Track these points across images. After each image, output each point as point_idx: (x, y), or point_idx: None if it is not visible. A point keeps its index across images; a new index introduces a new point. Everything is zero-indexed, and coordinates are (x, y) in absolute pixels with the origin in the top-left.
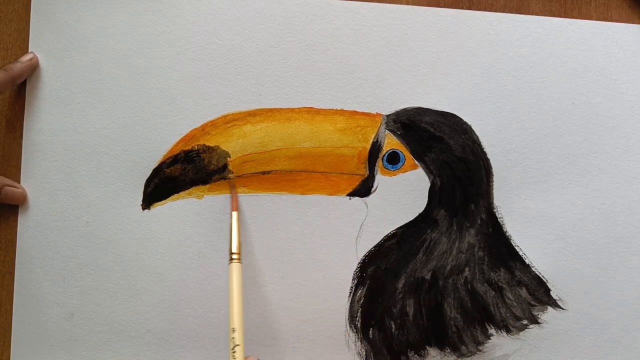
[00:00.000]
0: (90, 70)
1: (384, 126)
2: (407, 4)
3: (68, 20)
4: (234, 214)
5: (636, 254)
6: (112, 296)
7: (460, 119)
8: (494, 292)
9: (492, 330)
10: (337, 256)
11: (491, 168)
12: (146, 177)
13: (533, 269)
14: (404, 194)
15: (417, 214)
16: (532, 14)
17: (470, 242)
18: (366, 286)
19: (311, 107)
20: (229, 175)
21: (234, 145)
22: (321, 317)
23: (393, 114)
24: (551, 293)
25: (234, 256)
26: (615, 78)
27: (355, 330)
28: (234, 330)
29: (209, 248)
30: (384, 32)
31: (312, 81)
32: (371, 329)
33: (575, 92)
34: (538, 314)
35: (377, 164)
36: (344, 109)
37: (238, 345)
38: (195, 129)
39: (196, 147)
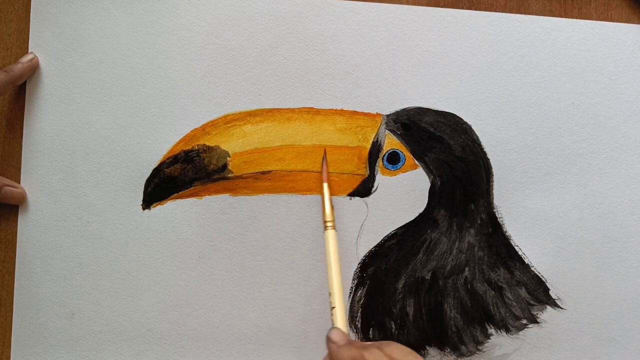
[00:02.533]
0: (90, 70)
1: (384, 126)
2: (407, 4)
3: (68, 20)
4: (325, 185)
5: (634, 253)
6: (113, 296)
7: (460, 119)
8: (493, 292)
9: (491, 330)
10: None
11: (491, 168)
12: (146, 177)
13: (532, 268)
14: (404, 194)
15: (417, 214)
16: (532, 14)
17: (470, 242)
18: (366, 286)
19: (311, 107)
20: (229, 175)
21: (234, 145)
22: (321, 317)
23: (393, 114)
24: (550, 292)
25: (328, 224)
26: (614, 78)
27: (355, 330)
28: (330, 294)
29: (209, 248)
30: (384, 32)
31: (312, 81)
32: (371, 329)
33: (574, 92)
34: (537, 314)
35: (377, 164)
36: (344, 109)
37: (334, 307)
38: (196, 129)
39: (196, 147)
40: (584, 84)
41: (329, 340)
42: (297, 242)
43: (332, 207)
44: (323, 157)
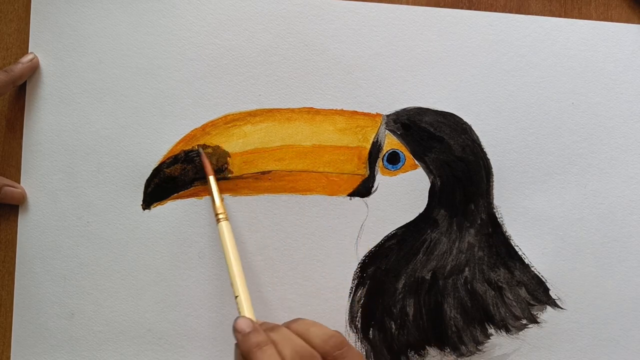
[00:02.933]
0: (90, 70)
1: (384, 126)
2: (407, 4)
3: (68, 20)
4: (210, 178)
5: (634, 253)
6: (113, 296)
7: (460, 119)
8: (493, 292)
9: (491, 330)
10: (337, 256)
11: (491, 168)
12: (146, 177)
13: (532, 268)
14: (404, 194)
15: (417, 214)
16: (532, 14)
17: (470, 242)
18: (366, 286)
19: (311, 107)
20: (229, 175)
21: (234, 145)
22: (321, 317)
23: (393, 114)
24: (550, 292)
25: (220, 216)
26: (614, 78)
27: (355, 331)
28: (232, 285)
29: (209, 248)
30: (384, 32)
31: (312, 81)
32: (371, 329)
33: (574, 92)
34: (537, 314)
35: (377, 164)
36: (344, 109)
37: (237, 296)
38: (196, 129)
39: (196, 147)
40: (584, 84)
41: (234, 330)
42: (297, 242)
43: (222, 199)
44: (201, 154)
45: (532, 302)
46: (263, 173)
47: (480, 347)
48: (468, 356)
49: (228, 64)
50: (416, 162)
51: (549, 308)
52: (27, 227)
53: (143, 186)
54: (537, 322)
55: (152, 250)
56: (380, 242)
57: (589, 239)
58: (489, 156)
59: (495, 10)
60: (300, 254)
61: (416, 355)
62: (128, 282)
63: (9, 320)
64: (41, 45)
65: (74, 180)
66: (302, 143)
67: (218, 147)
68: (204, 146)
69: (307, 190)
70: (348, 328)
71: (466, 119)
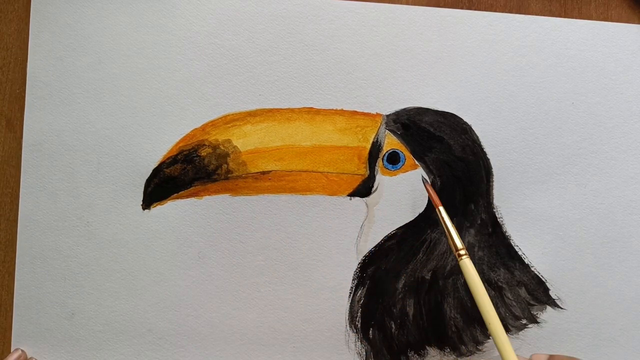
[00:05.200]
0: (90, 70)
1: (384, 126)
2: (407, 4)
3: (68, 20)
4: (441, 208)
5: (634, 253)
6: (113, 296)
7: (460, 119)
8: (493, 292)
9: None
10: (337, 256)
11: (491, 168)
12: (146, 177)
13: (532, 268)
14: (404, 194)
15: (417, 214)
16: (532, 14)
17: (470, 242)
18: (366, 286)
19: (311, 107)
20: (229, 175)
21: (234, 145)
22: (321, 317)
23: (393, 114)
24: (550, 292)
25: (462, 251)
26: (614, 78)
27: (355, 330)
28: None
29: (209, 248)
30: (384, 32)
31: (312, 81)
32: (371, 329)
33: (574, 92)
34: (537, 314)
35: (377, 164)
36: (344, 109)
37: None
38: (196, 129)
39: (196, 147)
40: (584, 84)
41: None
42: (297, 242)
43: (458, 235)
44: (426, 182)
45: (532, 302)
46: (263, 173)
47: (480, 347)
48: (468, 356)
49: (228, 64)
50: (416, 162)
51: (549, 308)
52: (27, 227)
53: (143, 186)
54: (537, 322)
55: (152, 250)
56: (380, 242)
57: (589, 239)
58: (489, 156)
59: (495, 10)
60: (300, 254)
61: (416, 355)
62: (128, 282)
63: (9, 320)
64: (41, 45)
65: (74, 180)
66: (302, 143)
67: (218, 147)
68: (203, 145)
69: (307, 190)
70: (348, 328)
71: (466, 119)
